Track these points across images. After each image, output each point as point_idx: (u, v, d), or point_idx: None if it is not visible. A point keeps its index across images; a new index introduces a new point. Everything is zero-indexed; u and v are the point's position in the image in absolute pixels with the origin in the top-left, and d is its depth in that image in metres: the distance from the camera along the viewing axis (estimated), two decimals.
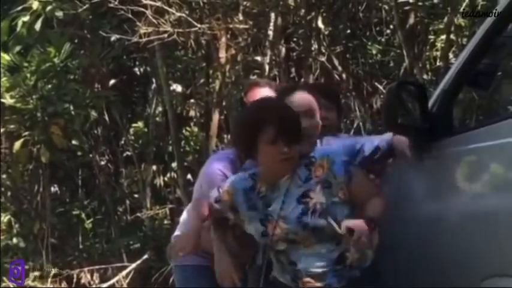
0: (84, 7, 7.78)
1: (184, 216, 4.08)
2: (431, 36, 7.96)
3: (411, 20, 7.61)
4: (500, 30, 3.16)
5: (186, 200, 7.55)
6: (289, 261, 3.23)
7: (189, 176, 8.65)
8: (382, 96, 7.65)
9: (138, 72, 9.81)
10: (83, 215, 9.23)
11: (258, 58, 7.97)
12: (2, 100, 8.07)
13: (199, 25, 7.31)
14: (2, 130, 8.37)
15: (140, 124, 9.55)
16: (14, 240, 9.03)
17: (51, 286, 8.23)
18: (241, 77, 8.07)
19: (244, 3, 7.73)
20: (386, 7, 7.78)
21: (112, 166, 9.73)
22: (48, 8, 7.81)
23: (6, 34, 8.18)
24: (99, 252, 8.98)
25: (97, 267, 8.39)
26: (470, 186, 2.96)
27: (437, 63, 7.82)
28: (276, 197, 3.27)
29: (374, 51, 8.13)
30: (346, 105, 7.89)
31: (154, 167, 9.45)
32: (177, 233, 4.04)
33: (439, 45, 7.78)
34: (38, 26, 7.84)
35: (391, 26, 8.05)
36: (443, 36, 7.50)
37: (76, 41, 8.65)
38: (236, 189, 3.36)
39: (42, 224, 8.89)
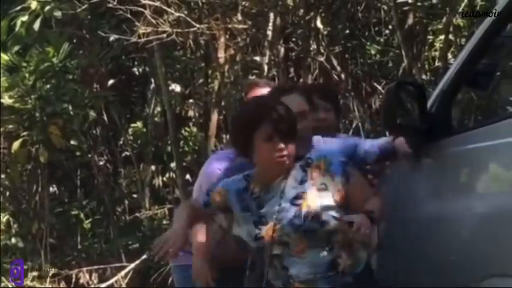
0: (83, 7, 7.78)
1: None
2: (430, 37, 7.97)
3: (410, 20, 7.61)
4: (499, 30, 3.16)
5: (185, 200, 7.54)
6: (282, 266, 3.19)
7: (187, 176, 8.66)
8: (381, 96, 7.65)
9: (136, 72, 9.82)
10: (82, 215, 9.23)
11: (257, 58, 7.98)
12: (1, 100, 8.07)
13: (198, 25, 7.31)
14: (0, 130, 8.37)
15: (139, 124, 9.55)
16: (13, 240, 9.03)
17: (50, 286, 8.23)
18: (240, 77, 8.08)
19: (243, 3, 7.73)
20: (385, 7, 7.78)
21: (111, 166, 9.73)
22: (47, 8, 7.81)
23: (5, 34, 8.17)
24: (98, 252, 8.98)
25: (96, 267, 8.39)
26: (469, 186, 2.96)
27: (436, 64, 7.82)
28: (270, 199, 3.23)
29: (373, 52, 8.14)
30: (345, 105, 7.89)
31: (153, 167, 9.45)
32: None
33: (437, 45, 7.79)
34: (36, 26, 7.84)
35: (390, 26, 8.06)
36: (442, 37, 7.50)
37: (75, 41, 8.66)
38: (229, 190, 3.32)
39: (40, 224, 8.89)
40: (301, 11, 7.65)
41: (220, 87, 8.01)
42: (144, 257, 8.35)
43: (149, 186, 9.31)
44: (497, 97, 6.71)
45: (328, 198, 3.17)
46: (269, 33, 7.63)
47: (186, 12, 7.43)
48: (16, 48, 8.32)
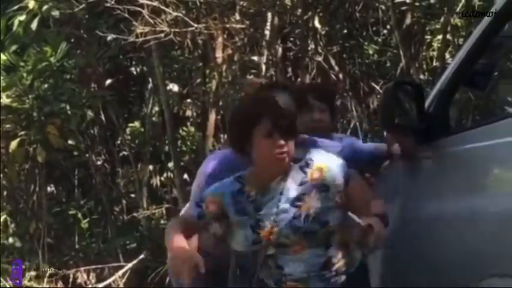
0: (81, 6, 7.77)
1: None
2: (428, 36, 7.97)
3: (408, 20, 7.62)
4: (497, 30, 3.16)
5: (183, 199, 7.55)
6: (276, 265, 3.15)
7: (185, 176, 8.65)
8: (378, 96, 7.65)
9: (134, 72, 9.81)
10: (79, 215, 9.23)
11: (255, 58, 7.98)
12: None
13: (196, 25, 7.31)
14: None
15: (137, 124, 9.54)
16: (10, 239, 9.02)
17: (48, 286, 8.22)
18: (238, 77, 8.08)
19: (241, 3, 7.74)
20: (383, 7, 7.78)
21: (108, 166, 9.73)
22: (45, 7, 7.80)
23: (3, 33, 8.17)
24: (96, 252, 8.98)
25: (93, 267, 8.39)
26: (467, 186, 2.96)
27: (434, 63, 7.83)
28: (268, 200, 3.17)
29: (371, 51, 8.13)
30: (343, 105, 7.90)
31: (150, 167, 9.45)
32: None
33: (435, 45, 7.79)
34: (34, 25, 7.83)
35: (388, 26, 8.06)
36: (440, 36, 7.51)
37: (72, 40, 8.65)
38: (223, 193, 3.21)
39: (38, 224, 8.89)
40: (299, 10, 7.66)
41: (218, 87, 8.01)
42: (142, 256, 8.36)
43: (147, 186, 9.31)
44: (495, 97, 6.72)
45: (329, 200, 3.14)
46: (267, 33, 7.63)
47: (184, 12, 7.43)
48: (14, 47, 8.31)
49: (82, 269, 8.31)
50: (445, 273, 3.05)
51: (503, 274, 2.66)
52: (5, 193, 9.28)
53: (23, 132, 8.18)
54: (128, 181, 9.68)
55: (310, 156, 3.22)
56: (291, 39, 8.35)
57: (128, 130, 9.47)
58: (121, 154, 9.58)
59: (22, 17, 7.87)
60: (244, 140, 3.17)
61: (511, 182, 2.69)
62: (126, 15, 7.23)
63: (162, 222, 8.97)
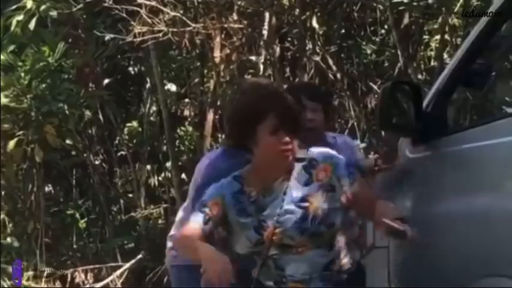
0: (79, 6, 7.77)
1: (180, 215, 4.06)
2: (426, 36, 7.98)
3: (406, 20, 7.62)
4: (495, 30, 3.16)
5: (181, 199, 7.54)
6: (277, 266, 3.11)
7: (183, 176, 8.65)
8: (376, 96, 7.65)
9: (132, 72, 9.80)
10: (77, 215, 9.22)
11: (253, 58, 7.98)
12: None
13: (193, 24, 7.31)
14: None
15: (134, 123, 9.53)
16: (8, 239, 9.01)
17: (45, 286, 8.21)
18: (236, 77, 8.08)
19: (239, 2, 7.73)
20: (381, 7, 7.78)
21: (106, 166, 9.72)
22: (43, 7, 7.79)
23: (0, 33, 8.16)
24: (93, 251, 8.97)
25: (91, 266, 8.38)
26: (465, 186, 2.96)
27: (432, 63, 7.84)
28: (271, 201, 3.12)
29: (368, 51, 8.14)
30: (341, 104, 7.91)
31: (148, 167, 9.45)
32: (172, 232, 4.03)
33: (433, 45, 7.80)
34: (32, 25, 7.82)
35: (386, 26, 8.07)
36: (438, 36, 7.51)
37: (70, 40, 8.63)
38: (224, 194, 3.15)
39: (36, 224, 8.88)
40: (297, 10, 7.66)
41: (216, 86, 8.01)
42: (140, 256, 8.35)
43: (145, 185, 9.30)
44: (493, 97, 6.72)
45: (335, 201, 3.11)
46: (265, 32, 7.64)
47: (181, 11, 7.43)
48: (11, 47, 8.29)
49: (80, 268, 8.30)
50: (442, 273, 3.05)
51: (502, 274, 2.66)
52: (2, 193, 9.27)
53: (20, 132, 8.17)
54: (126, 181, 9.67)
55: (313, 156, 3.17)
56: (289, 39, 8.35)
57: (125, 130, 9.46)
58: (119, 154, 9.57)
59: (20, 17, 7.86)
60: (246, 137, 3.10)
61: (509, 181, 2.69)
62: (124, 15, 7.22)
63: (160, 222, 8.97)
